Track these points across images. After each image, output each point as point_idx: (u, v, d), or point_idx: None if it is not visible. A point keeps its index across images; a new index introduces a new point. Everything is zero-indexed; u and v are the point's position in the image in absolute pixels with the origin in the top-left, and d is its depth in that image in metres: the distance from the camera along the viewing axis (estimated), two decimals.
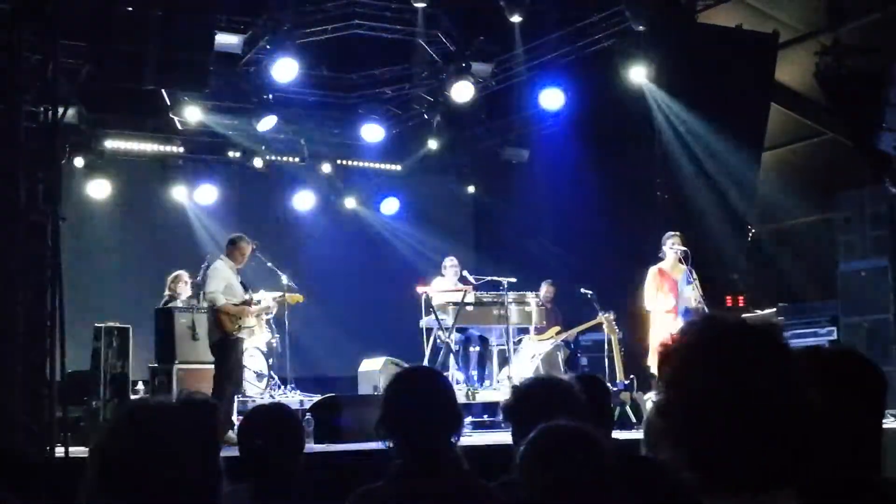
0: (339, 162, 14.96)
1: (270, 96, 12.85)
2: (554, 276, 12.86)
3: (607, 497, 2.41)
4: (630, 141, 12.88)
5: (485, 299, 11.08)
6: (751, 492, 1.50)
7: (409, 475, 2.95)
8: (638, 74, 12.04)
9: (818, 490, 1.60)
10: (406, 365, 8.81)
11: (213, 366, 9.55)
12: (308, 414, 8.31)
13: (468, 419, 10.06)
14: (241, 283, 9.73)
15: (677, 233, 10.16)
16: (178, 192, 13.77)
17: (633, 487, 2.74)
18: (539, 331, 11.63)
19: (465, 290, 10.97)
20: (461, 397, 9.90)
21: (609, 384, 9.52)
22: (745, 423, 1.48)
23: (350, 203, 15.33)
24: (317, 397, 9.62)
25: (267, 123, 13.24)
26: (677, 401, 1.53)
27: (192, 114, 12.41)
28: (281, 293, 10.69)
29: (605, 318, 11.18)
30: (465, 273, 11.37)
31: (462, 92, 12.51)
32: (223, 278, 9.42)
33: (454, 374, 10.78)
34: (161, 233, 13.72)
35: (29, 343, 7.43)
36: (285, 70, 11.56)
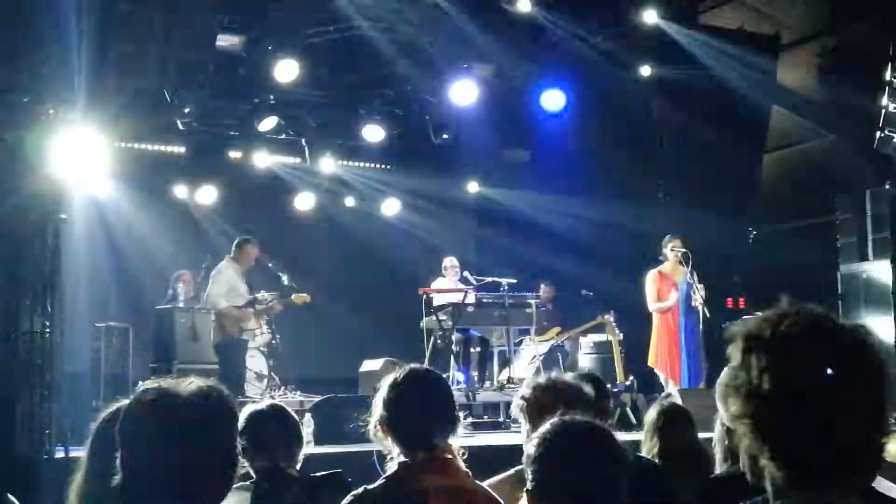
0: (340, 162, 14.94)
1: (272, 97, 12.84)
2: (555, 278, 12.86)
3: (622, 492, 2.40)
4: (631, 142, 12.88)
5: (485, 300, 11.08)
6: (830, 488, 1.50)
7: (406, 476, 2.94)
8: (640, 75, 12.04)
9: None
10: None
11: (213, 366, 9.57)
12: (308, 414, 8.30)
13: (468, 420, 10.06)
14: (247, 284, 9.74)
15: (678, 235, 10.17)
16: (179, 192, 13.76)
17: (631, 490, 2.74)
18: (539, 332, 11.63)
19: (466, 291, 10.97)
20: (461, 398, 9.90)
21: (609, 385, 9.53)
22: (837, 419, 1.48)
23: (351, 203, 15.31)
24: (317, 398, 9.61)
25: (268, 124, 13.23)
26: (770, 393, 1.53)
27: (194, 113, 12.38)
28: (281, 293, 10.68)
29: (605, 320, 11.18)
30: (465, 274, 11.36)
31: (463, 92, 12.50)
32: (226, 281, 9.42)
33: (454, 374, 10.77)
34: (162, 233, 13.69)
35: (28, 342, 7.43)
36: (286, 70, 11.55)
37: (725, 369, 1.65)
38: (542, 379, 3.41)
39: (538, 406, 3.18)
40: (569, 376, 3.48)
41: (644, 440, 4.16)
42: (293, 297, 10.40)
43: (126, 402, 2.20)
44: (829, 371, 1.49)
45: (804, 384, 1.50)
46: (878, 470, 1.55)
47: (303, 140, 14.43)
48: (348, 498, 2.95)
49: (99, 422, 2.63)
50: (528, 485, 2.39)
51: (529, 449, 2.44)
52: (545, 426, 2.46)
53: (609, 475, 2.37)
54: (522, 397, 3.33)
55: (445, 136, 14.52)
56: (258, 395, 10.45)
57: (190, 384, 2.05)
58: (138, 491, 1.95)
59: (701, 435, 4.45)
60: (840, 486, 1.51)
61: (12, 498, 3.35)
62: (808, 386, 1.50)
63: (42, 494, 6.00)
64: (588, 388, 3.31)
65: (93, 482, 2.45)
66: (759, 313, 1.65)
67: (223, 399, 2.08)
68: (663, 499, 3.39)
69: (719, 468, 3.57)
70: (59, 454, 7.16)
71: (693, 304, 9.77)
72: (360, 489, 2.97)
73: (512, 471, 3.33)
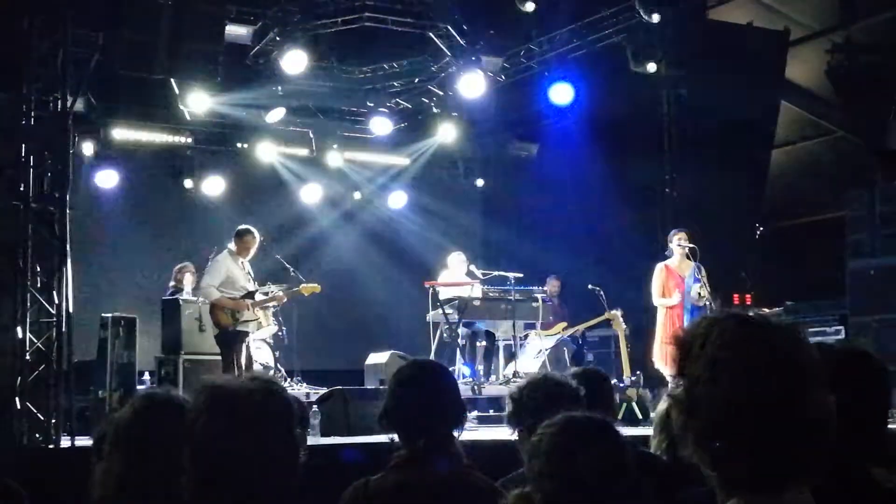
0: (347, 155, 14.93)
1: (279, 88, 12.83)
2: (562, 272, 12.84)
3: (628, 489, 2.39)
4: (639, 136, 12.85)
5: (491, 294, 11.06)
6: (770, 490, 1.50)
7: (409, 467, 2.94)
8: (648, 70, 12.01)
9: (828, 488, 1.60)
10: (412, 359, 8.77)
11: (219, 357, 9.57)
12: (314, 406, 8.30)
13: (474, 413, 10.05)
14: (248, 274, 9.70)
15: (684, 229, 10.13)
16: (187, 183, 13.77)
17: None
18: (545, 326, 11.61)
19: (472, 285, 10.96)
20: (467, 391, 9.89)
21: (615, 380, 9.51)
22: (770, 422, 1.48)
23: (358, 196, 15.30)
24: (323, 390, 9.61)
25: (275, 115, 13.23)
26: (700, 398, 1.52)
27: (201, 104, 12.37)
28: (287, 285, 10.67)
29: (612, 315, 11.15)
30: (472, 267, 11.35)
31: (471, 85, 12.48)
32: (222, 272, 9.38)
33: (460, 368, 10.76)
34: (169, 223, 13.72)
35: (36, 332, 7.45)
36: (294, 62, 11.53)
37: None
38: (528, 380, 3.38)
39: (526, 407, 3.16)
40: (558, 375, 3.44)
41: (652, 435, 4.14)
42: (301, 287, 10.36)
43: (134, 397, 2.19)
44: (766, 375, 1.48)
45: (739, 389, 1.49)
46: (825, 469, 1.53)
47: (310, 132, 14.42)
48: (351, 488, 2.95)
49: (122, 414, 2.55)
50: (532, 483, 2.39)
51: (531, 447, 2.43)
52: (546, 423, 2.44)
53: (612, 470, 2.36)
54: (511, 398, 3.30)
55: (453, 129, 14.51)
56: None
57: (249, 380, 2.05)
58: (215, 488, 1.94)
59: None
60: (788, 487, 1.50)
61: (18, 487, 3.34)
62: (743, 390, 1.49)
63: (48, 484, 6.01)
64: (577, 385, 3.28)
65: (117, 477, 2.40)
66: (766, 310, 1.65)
67: (281, 392, 2.08)
68: (671, 494, 3.38)
69: None
70: (66, 443, 7.19)
71: (700, 301, 9.74)
72: (363, 479, 2.97)
73: (522, 469, 3.31)
